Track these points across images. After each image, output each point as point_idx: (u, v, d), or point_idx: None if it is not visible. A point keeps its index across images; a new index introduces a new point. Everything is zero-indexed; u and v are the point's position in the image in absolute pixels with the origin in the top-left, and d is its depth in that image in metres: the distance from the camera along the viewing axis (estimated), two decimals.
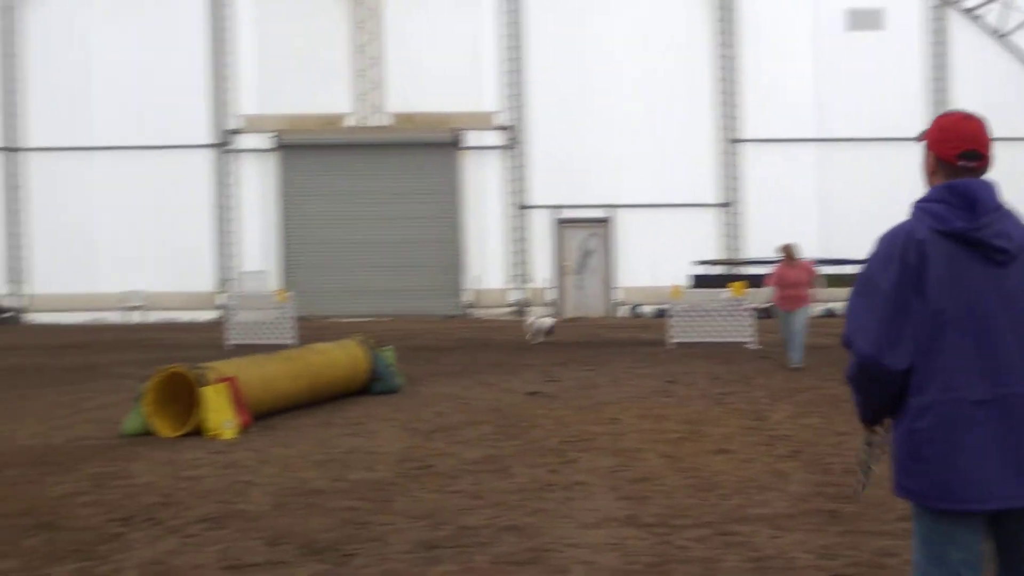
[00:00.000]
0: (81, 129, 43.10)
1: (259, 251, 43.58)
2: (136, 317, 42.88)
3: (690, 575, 7.96)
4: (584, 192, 42.76)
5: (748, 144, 43.26)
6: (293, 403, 16.75)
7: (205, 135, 43.63)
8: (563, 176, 42.76)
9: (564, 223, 43.46)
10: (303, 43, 43.04)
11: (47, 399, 18.84)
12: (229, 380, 14.73)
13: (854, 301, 4.73)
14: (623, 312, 43.19)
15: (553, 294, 43.22)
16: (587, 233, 43.47)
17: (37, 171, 43.61)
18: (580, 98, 42.72)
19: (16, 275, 43.59)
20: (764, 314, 29.27)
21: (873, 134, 41.03)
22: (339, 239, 43.19)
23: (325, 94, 43.22)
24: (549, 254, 43.55)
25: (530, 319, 30.80)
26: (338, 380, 18.13)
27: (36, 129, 43.54)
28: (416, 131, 43.61)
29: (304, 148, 43.57)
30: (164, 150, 43.06)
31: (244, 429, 14.61)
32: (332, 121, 43.70)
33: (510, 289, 43.36)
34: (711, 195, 43.39)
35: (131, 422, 14.73)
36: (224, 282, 42.79)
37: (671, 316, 29.25)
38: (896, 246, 4.62)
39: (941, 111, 4.85)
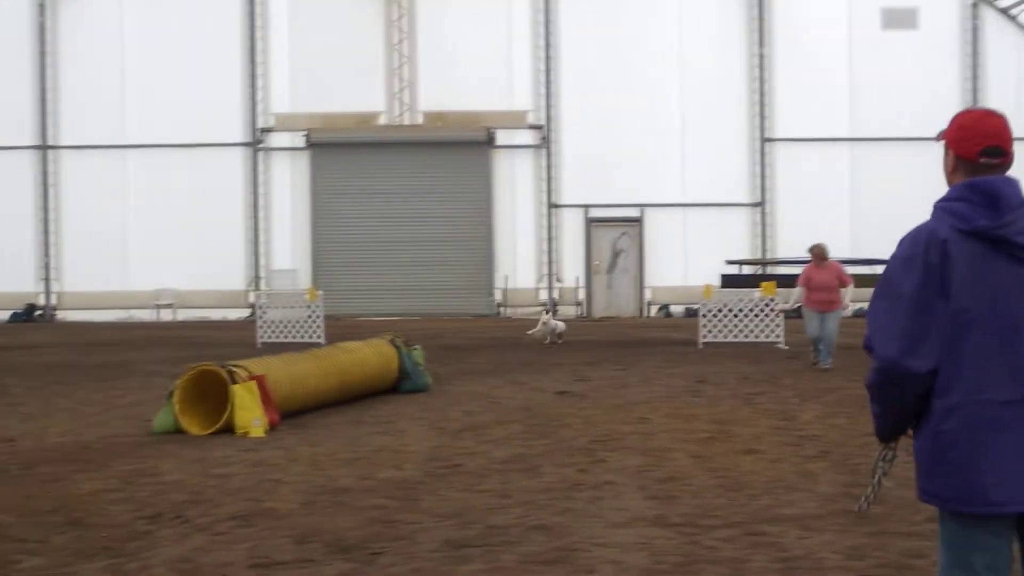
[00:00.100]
0: (114, 127, 43.22)
1: (290, 249, 43.64)
2: (167, 315, 43.01)
3: (718, 575, 7.95)
4: (615, 191, 42.64)
5: (780, 143, 43.06)
6: (322, 401, 16.79)
7: (238, 133, 43.71)
8: (594, 175, 42.65)
9: (595, 222, 43.39)
10: (336, 42, 43.05)
11: (78, 396, 18.94)
12: (259, 378, 14.76)
13: (875, 304, 4.63)
14: (653, 312, 43.10)
15: (583, 293, 43.17)
16: (618, 232, 43.39)
17: (70, 169, 43.77)
18: (612, 97, 42.60)
19: (49, 273, 43.79)
20: (795, 314, 29.16)
21: (906, 134, 40.75)
22: (369, 238, 43.21)
23: (357, 93, 43.23)
24: (580, 253, 43.48)
25: (540, 321, 30.43)
26: (367, 379, 18.16)
27: (69, 127, 43.68)
28: (448, 130, 43.61)
29: (336, 147, 43.59)
30: (197, 148, 43.14)
31: (273, 427, 14.65)
32: (364, 120, 43.74)
33: (541, 288, 43.33)
34: (743, 195, 43.22)
35: (161, 420, 14.78)
36: (255, 280, 42.90)
37: (702, 316, 29.19)
38: (918, 247, 4.52)
39: None
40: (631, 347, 28.62)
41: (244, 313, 41.05)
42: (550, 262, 43.32)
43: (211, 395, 14.87)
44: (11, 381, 21.30)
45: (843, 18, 43.03)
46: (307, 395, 16.31)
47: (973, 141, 4.63)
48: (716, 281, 37.18)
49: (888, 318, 4.55)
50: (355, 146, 43.46)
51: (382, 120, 43.78)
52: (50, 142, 43.85)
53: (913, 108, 41.02)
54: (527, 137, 43.50)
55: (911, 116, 40.78)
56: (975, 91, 42.36)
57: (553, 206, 43.33)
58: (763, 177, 43.07)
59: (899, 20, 43.04)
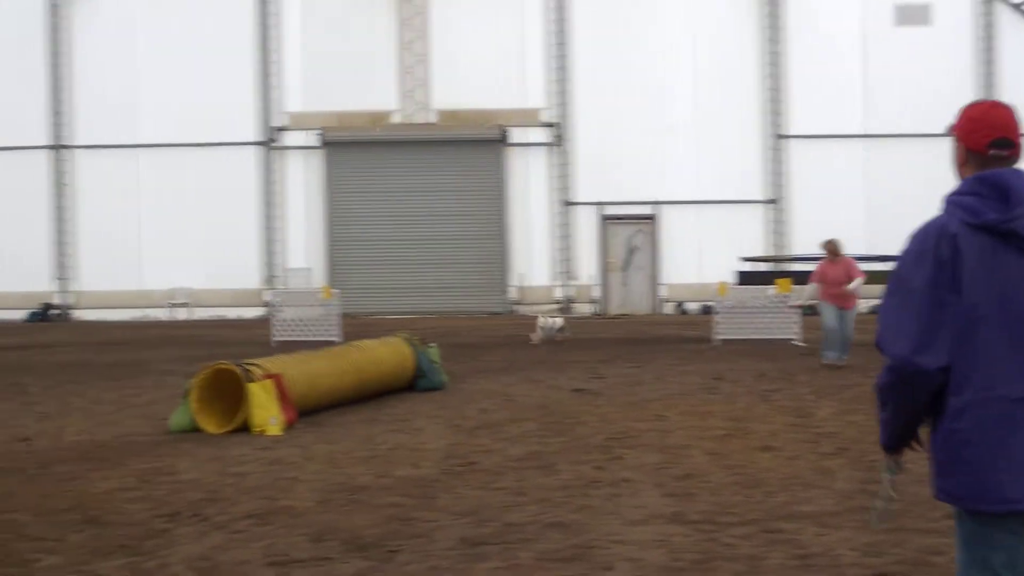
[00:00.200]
0: (128, 127, 43.31)
1: (304, 248, 43.72)
2: (182, 314, 43.09)
3: (735, 572, 7.94)
4: (629, 189, 42.63)
5: (794, 140, 43.02)
6: (338, 400, 16.79)
7: (251, 132, 43.78)
8: (609, 173, 42.63)
9: (609, 220, 43.37)
10: (349, 40, 43.09)
11: (94, 395, 18.97)
12: (275, 377, 14.77)
13: (887, 301, 4.56)
14: (668, 309, 43.07)
15: (598, 291, 43.17)
16: (633, 230, 43.37)
17: (84, 169, 43.89)
18: (626, 94, 42.58)
19: (64, 272, 43.89)
20: (809, 311, 29.11)
21: (921, 130, 40.63)
22: (384, 236, 43.25)
23: (371, 91, 43.27)
24: (595, 251, 43.48)
25: (537, 326, 30.28)
26: (383, 377, 18.16)
27: (83, 127, 43.79)
28: (461, 128, 43.63)
29: (350, 145, 43.65)
30: (210, 147, 43.22)
31: (290, 426, 14.65)
32: (378, 118, 43.78)
33: (555, 286, 43.32)
34: (757, 191, 43.19)
35: (178, 418, 14.80)
36: (270, 279, 42.96)
37: (717, 313, 29.17)
38: (929, 242, 4.47)
39: None
40: (646, 344, 28.60)
41: (259, 312, 41.09)
42: (565, 260, 43.30)
43: (227, 394, 14.88)
44: (27, 380, 21.34)
45: (856, 14, 42.97)
46: (323, 393, 16.31)
47: (982, 133, 4.61)
48: (731, 278, 37.15)
49: (899, 315, 4.49)
50: (369, 144, 43.52)
51: (396, 118, 43.81)
52: (64, 142, 43.95)
53: (927, 104, 40.86)
54: (541, 135, 43.50)
55: (925, 112, 40.60)
56: (989, 87, 42.23)
57: (567, 204, 43.31)
58: (777, 174, 43.01)
59: (912, 16, 42.96)
